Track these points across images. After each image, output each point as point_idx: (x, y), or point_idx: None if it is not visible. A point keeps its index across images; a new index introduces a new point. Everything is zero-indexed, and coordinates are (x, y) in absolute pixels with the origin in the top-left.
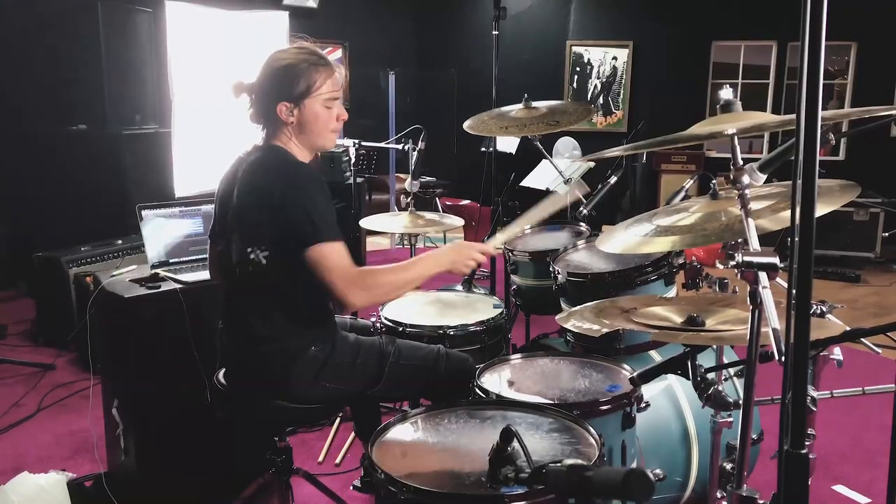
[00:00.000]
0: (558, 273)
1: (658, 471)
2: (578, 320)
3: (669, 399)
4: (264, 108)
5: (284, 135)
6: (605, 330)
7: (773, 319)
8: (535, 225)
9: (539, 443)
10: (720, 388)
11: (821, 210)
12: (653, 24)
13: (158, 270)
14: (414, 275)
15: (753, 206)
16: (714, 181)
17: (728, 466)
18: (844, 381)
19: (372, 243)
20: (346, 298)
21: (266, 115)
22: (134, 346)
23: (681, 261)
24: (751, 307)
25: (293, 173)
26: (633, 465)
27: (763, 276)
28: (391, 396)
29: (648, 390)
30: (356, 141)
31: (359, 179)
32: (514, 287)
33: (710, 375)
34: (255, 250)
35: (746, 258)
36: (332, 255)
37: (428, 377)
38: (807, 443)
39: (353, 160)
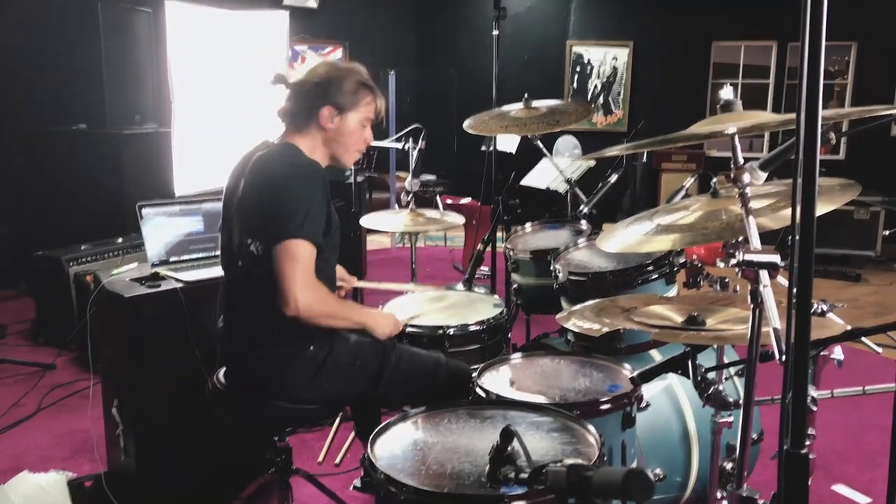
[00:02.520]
0: (559, 272)
1: (658, 471)
2: (579, 319)
3: (669, 399)
4: (305, 105)
5: (313, 137)
6: (605, 329)
7: (774, 319)
8: (537, 224)
9: (539, 443)
10: (720, 387)
11: (821, 209)
12: (653, 24)
13: (159, 269)
14: (355, 318)
15: (754, 204)
16: (714, 180)
17: (728, 466)
18: (844, 380)
19: (372, 242)
20: (297, 294)
21: (304, 113)
22: (134, 346)
23: (681, 260)
24: (751, 306)
25: (300, 167)
26: (633, 465)
27: (764, 274)
28: (389, 401)
29: (648, 390)
30: None
31: (359, 178)
32: (515, 286)
33: (711, 375)
34: (254, 242)
35: (747, 257)
36: (304, 252)
37: (426, 383)
38: (807, 443)
39: None
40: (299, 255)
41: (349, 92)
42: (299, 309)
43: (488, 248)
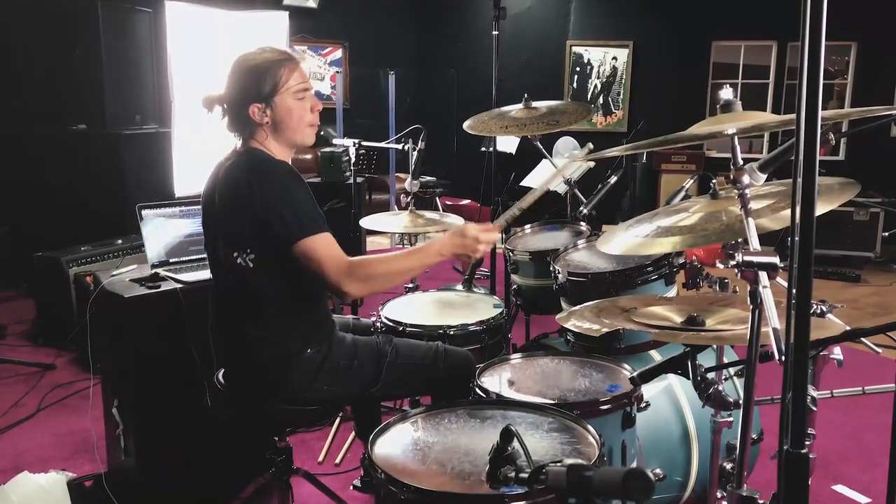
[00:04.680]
0: (559, 273)
1: (658, 471)
2: (578, 320)
3: (669, 399)
4: (237, 114)
5: (262, 136)
6: (605, 330)
7: (774, 319)
8: (536, 224)
9: (539, 443)
10: (720, 387)
11: (821, 209)
12: (653, 24)
13: (158, 270)
14: (413, 264)
15: (753, 205)
16: (714, 181)
17: (728, 466)
18: (844, 381)
19: (372, 243)
20: (342, 289)
21: (241, 121)
22: (134, 346)
23: (681, 260)
24: (751, 307)
25: (268, 172)
26: (633, 465)
27: (763, 275)
28: (391, 396)
29: (648, 390)
30: (356, 141)
31: (359, 179)
32: (515, 287)
33: (710, 375)
34: (241, 254)
35: (746, 258)
36: (320, 247)
37: (427, 375)
38: (807, 443)
39: (353, 160)
40: (315, 254)
41: (266, 78)
42: (353, 296)
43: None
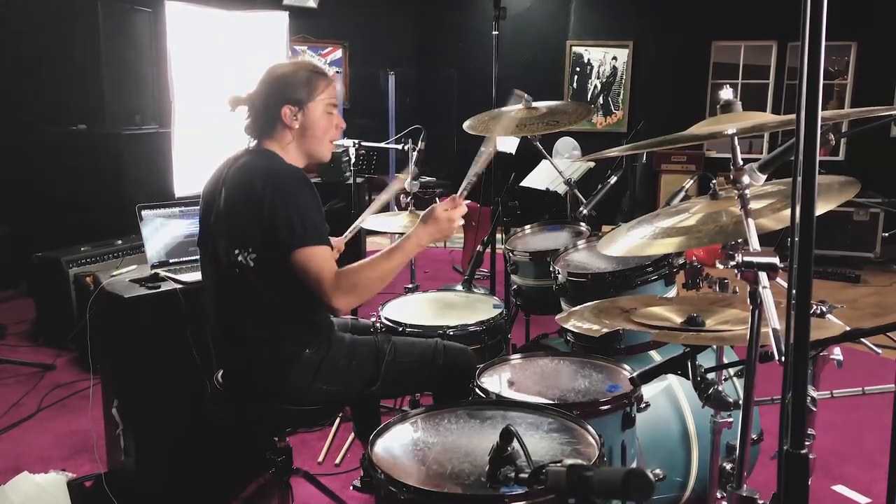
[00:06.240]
0: (558, 273)
1: (658, 471)
2: (578, 320)
3: (669, 399)
4: (265, 114)
5: (283, 139)
6: (605, 330)
7: (773, 319)
8: (536, 225)
9: (539, 443)
10: (720, 388)
11: (821, 208)
12: (653, 24)
13: (158, 270)
14: (395, 262)
15: (754, 205)
16: (714, 181)
17: (728, 466)
18: (844, 381)
19: (372, 243)
20: (331, 303)
21: (269, 121)
22: (134, 346)
23: (681, 261)
24: (751, 307)
25: (281, 176)
26: (633, 465)
27: (763, 276)
28: (391, 394)
29: (648, 390)
30: (356, 141)
31: (359, 179)
32: (515, 287)
33: (710, 375)
34: (242, 252)
35: (746, 258)
36: (316, 259)
37: (427, 372)
38: (807, 443)
39: (352, 160)
40: (312, 265)
41: (302, 85)
42: (343, 309)
43: (488, 250)
